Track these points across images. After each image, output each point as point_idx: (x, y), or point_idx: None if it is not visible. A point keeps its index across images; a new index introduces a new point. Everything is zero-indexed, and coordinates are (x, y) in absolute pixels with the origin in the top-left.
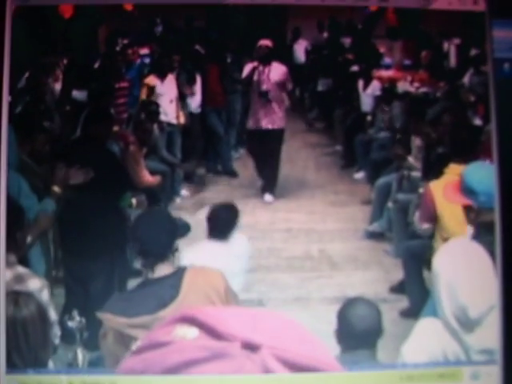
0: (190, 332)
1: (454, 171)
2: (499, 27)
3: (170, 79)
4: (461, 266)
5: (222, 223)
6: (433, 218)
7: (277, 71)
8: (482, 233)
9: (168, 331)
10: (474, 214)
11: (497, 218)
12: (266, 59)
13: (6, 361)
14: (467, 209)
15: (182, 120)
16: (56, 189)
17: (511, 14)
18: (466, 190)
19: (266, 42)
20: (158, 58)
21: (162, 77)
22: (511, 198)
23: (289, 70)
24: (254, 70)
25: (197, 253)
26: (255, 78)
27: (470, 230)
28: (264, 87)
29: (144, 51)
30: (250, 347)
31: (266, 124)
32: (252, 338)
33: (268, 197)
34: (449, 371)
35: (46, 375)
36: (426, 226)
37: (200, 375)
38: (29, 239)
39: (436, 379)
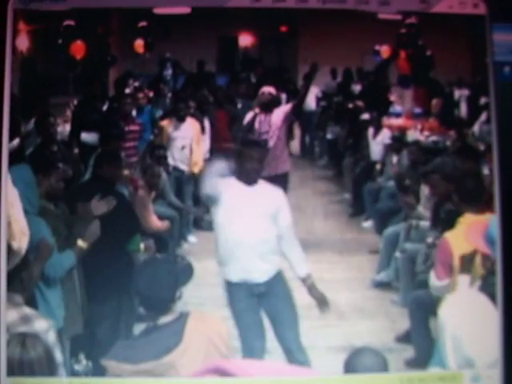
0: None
1: (468, 221)
2: (499, 31)
3: (188, 124)
4: (467, 319)
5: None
6: (451, 270)
7: (277, 115)
8: (491, 284)
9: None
10: (490, 264)
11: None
12: (268, 107)
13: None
14: (484, 257)
15: (197, 169)
16: (81, 243)
17: (511, 18)
18: (488, 238)
19: (269, 89)
20: (174, 102)
21: (178, 121)
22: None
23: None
24: (255, 116)
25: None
26: (256, 125)
27: (479, 280)
28: (264, 136)
29: (152, 94)
30: None
31: (269, 171)
32: None
33: None
34: (449, 374)
35: (46, 377)
36: (444, 281)
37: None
38: (33, 274)
39: (437, 382)
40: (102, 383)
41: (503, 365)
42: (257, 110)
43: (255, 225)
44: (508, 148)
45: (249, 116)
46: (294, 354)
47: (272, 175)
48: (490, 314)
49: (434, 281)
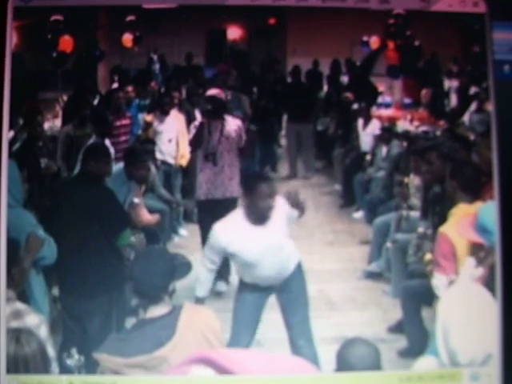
0: (206, 373)
1: (462, 211)
2: (499, 29)
3: (173, 117)
4: (461, 310)
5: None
6: (456, 262)
7: (231, 127)
8: (491, 276)
9: (183, 371)
10: (484, 254)
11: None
12: (216, 113)
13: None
14: (477, 247)
15: (184, 162)
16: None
17: (511, 17)
18: (479, 227)
19: (215, 92)
20: (158, 96)
21: (162, 114)
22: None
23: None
24: (201, 127)
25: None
26: (205, 135)
27: (477, 270)
28: (213, 148)
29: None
30: None
31: (219, 193)
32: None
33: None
34: (448, 372)
35: (46, 375)
36: (451, 276)
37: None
38: (25, 268)
39: (436, 380)
40: (101, 381)
41: (502, 363)
42: (203, 120)
43: (273, 253)
44: (508, 146)
45: (194, 127)
46: (303, 348)
47: (221, 199)
48: (487, 308)
49: (441, 281)
